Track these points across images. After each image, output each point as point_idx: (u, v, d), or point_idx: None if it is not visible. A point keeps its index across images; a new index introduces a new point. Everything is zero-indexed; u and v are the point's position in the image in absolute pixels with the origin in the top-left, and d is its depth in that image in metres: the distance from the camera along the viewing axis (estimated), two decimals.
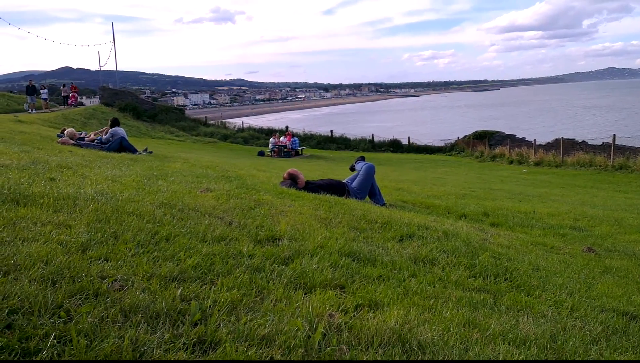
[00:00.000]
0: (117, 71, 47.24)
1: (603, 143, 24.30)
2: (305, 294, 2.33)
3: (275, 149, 26.16)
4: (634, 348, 2.17)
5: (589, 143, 27.23)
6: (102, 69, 47.18)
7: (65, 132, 12.24)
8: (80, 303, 1.85)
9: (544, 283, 3.16)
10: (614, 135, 21.53)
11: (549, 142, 28.11)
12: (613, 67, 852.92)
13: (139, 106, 37.38)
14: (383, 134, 38.06)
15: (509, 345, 1.98)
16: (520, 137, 34.03)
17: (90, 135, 12.92)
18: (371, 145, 35.76)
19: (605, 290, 3.27)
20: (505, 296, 2.74)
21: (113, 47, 43.03)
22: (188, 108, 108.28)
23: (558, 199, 10.84)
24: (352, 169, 7.97)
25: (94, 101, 44.94)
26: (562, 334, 2.19)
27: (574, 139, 28.88)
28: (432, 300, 2.46)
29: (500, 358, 1.80)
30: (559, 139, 26.00)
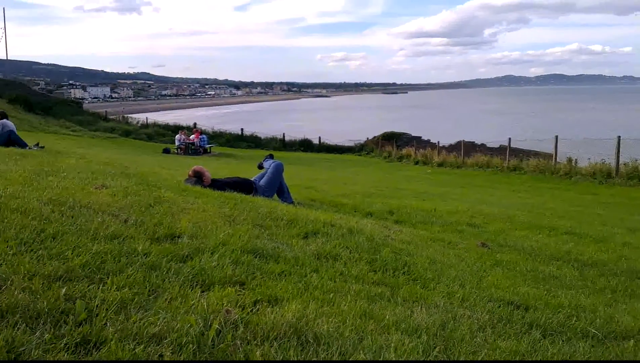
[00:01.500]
0: (7, 60, 43.76)
1: (500, 145, 25.98)
2: (202, 292, 2.27)
3: (182, 146, 25.40)
4: (516, 335, 2.32)
5: (488, 145, 29.04)
6: None
7: None
8: None
9: (439, 275, 3.31)
10: (509, 138, 23.10)
11: (451, 144, 29.64)
12: (511, 75, 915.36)
13: (31, 98, 34.78)
14: (294, 134, 38.26)
15: (402, 334, 2.04)
16: (426, 139, 35.59)
17: None
18: (282, 144, 35.82)
19: (494, 281, 3.48)
20: (402, 289, 2.83)
21: (4, 34, 39.79)
22: (87, 102, 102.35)
23: (458, 198, 11.44)
24: (261, 167, 7.92)
25: None
26: (451, 322, 2.30)
27: (474, 141, 30.66)
28: (332, 294, 2.48)
29: (392, 347, 1.85)
30: (461, 141, 27.49)
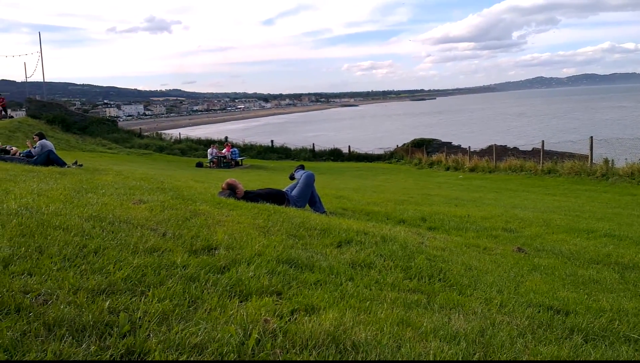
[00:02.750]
0: (44, 82, 45.23)
1: (533, 148, 25.51)
2: (240, 302, 2.31)
3: (215, 160, 25.77)
4: (557, 340, 2.28)
5: (520, 148, 28.55)
6: (29, 80, 45.08)
7: None
8: (0, 319, 1.75)
9: (476, 282, 3.27)
10: (542, 141, 22.65)
11: (482, 148, 29.25)
12: (541, 77, 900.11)
13: (68, 118, 35.83)
14: (323, 144, 38.36)
15: (440, 341, 2.03)
16: (456, 144, 35.21)
17: (13, 148, 12.31)
18: (312, 154, 35.94)
19: (532, 286, 3.42)
20: (438, 296, 2.81)
21: (40, 57, 41.16)
22: (121, 120, 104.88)
23: (491, 203, 11.27)
24: (292, 178, 7.98)
25: (20, 114, 42.68)
26: (490, 329, 2.27)
27: (506, 145, 30.20)
28: (368, 302, 2.49)
29: (431, 354, 1.85)
30: (492, 145, 27.11)
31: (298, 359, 1.71)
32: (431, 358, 1.81)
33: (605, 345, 2.28)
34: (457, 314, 2.47)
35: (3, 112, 33.97)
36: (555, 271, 4.27)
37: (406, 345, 1.94)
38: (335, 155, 35.84)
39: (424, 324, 2.21)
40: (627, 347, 2.26)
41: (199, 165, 25.61)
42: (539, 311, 2.71)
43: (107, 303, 2.01)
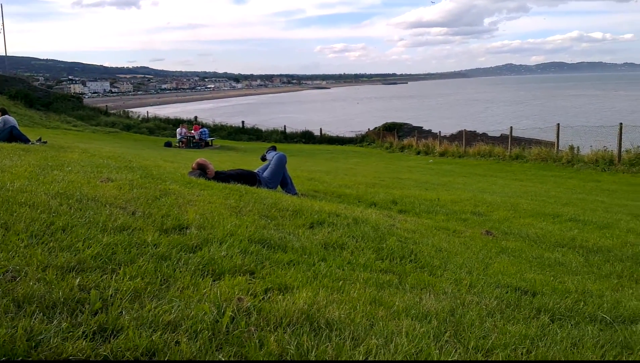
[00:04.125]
0: (6, 56, 43.69)
1: (501, 134, 25.98)
2: (213, 281, 2.29)
3: (184, 140, 25.42)
4: (525, 320, 2.34)
5: (489, 134, 29.03)
6: None
7: None
8: None
9: (446, 263, 3.33)
10: (511, 127, 23.07)
11: (453, 133, 29.64)
12: (511, 64, 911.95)
13: (31, 94, 34.74)
14: (295, 125, 38.23)
15: (412, 319, 2.06)
16: (427, 129, 35.58)
17: None
18: (283, 136, 35.80)
19: (500, 268, 3.49)
20: (409, 276, 2.85)
21: (2, 30, 39.67)
22: (87, 96, 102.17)
23: (461, 187, 11.45)
24: (264, 159, 7.92)
25: None
26: (460, 308, 2.32)
27: (475, 131, 30.67)
28: (341, 282, 2.50)
29: (403, 332, 1.87)
30: (462, 131, 27.48)
31: (272, 337, 1.71)
32: (403, 336, 1.84)
33: (571, 325, 2.34)
34: (428, 294, 2.51)
35: None
36: (522, 253, 4.38)
37: (379, 323, 1.96)
38: (306, 137, 35.78)
39: (396, 303, 2.24)
40: (592, 327, 2.33)
41: (168, 145, 25.24)
42: (507, 292, 2.77)
43: (77, 280, 1.97)
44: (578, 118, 38.40)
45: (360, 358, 1.63)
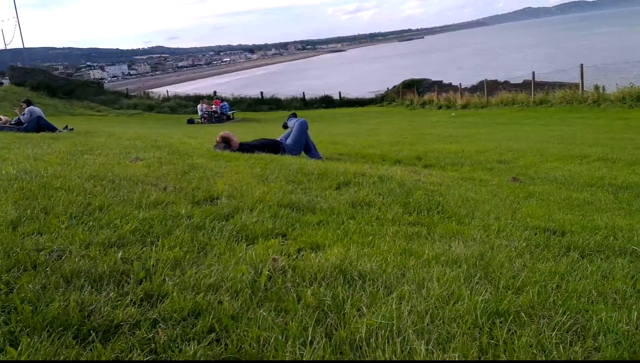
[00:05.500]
0: (24, 49, 44.21)
1: (524, 81, 25.33)
2: (247, 245, 2.38)
3: (205, 115, 25.60)
4: (554, 257, 2.37)
5: (511, 82, 28.34)
6: (8, 47, 44.05)
7: None
8: (19, 275, 1.83)
9: (473, 211, 3.36)
10: (533, 72, 22.48)
11: (474, 85, 29.03)
12: (529, 7, 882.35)
13: (53, 83, 35.23)
14: (314, 91, 37.98)
15: (442, 266, 2.12)
16: (447, 82, 34.87)
17: (2, 117, 12.19)
18: (303, 103, 35.67)
19: (528, 211, 3.51)
20: (438, 227, 2.90)
21: (17, 22, 40.04)
22: (106, 81, 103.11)
23: (485, 138, 11.33)
24: (285, 126, 7.97)
25: (4, 82, 41.87)
26: (489, 252, 2.36)
27: (496, 80, 29.95)
28: (370, 237, 2.57)
29: (434, 277, 1.94)
30: (483, 81, 26.91)
31: (309, 291, 1.79)
32: (434, 281, 1.90)
33: (601, 259, 2.37)
34: (457, 241, 2.56)
35: None
36: (550, 196, 4.37)
37: (410, 272, 2.02)
38: (326, 102, 35.57)
39: (426, 252, 2.30)
40: (622, 259, 2.35)
41: (190, 121, 25.46)
42: (536, 233, 2.79)
43: (120, 254, 2.08)
44: (602, 56, 37.07)
45: (394, 304, 1.69)
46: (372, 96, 37.14)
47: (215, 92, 37.49)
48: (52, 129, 10.60)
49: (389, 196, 3.66)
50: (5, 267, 1.88)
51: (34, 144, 6.26)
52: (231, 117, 26.82)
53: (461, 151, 8.05)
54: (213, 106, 26.56)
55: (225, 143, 6.60)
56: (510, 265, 2.16)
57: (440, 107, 26.45)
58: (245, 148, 6.55)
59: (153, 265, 1.99)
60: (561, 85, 22.23)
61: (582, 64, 19.77)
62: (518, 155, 7.47)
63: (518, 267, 2.14)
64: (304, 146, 7.34)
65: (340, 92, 36.40)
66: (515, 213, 3.41)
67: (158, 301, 1.71)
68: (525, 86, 24.15)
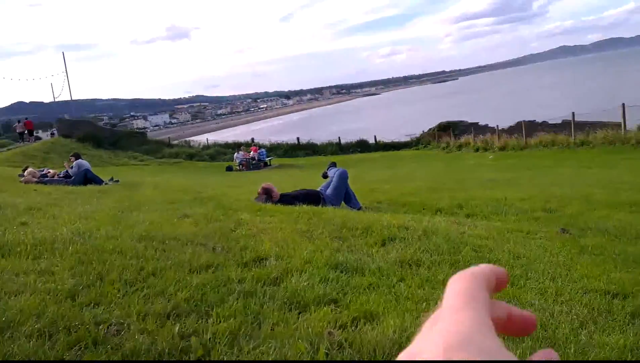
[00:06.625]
0: (72, 101, 46.34)
1: (563, 121, 24.91)
2: (299, 313, 2.36)
3: (244, 162, 26.05)
4: (620, 327, 2.27)
5: (550, 122, 27.91)
6: (57, 100, 46.29)
7: (26, 171, 11.96)
8: (81, 355, 1.85)
9: (527, 271, 3.26)
10: (573, 113, 22.11)
11: (511, 126, 28.68)
12: (565, 46, 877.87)
13: (98, 134, 36.59)
14: (349, 136, 38.23)
15: (504, 339, 2.04)
16: (483, 124, 34.60)
17: (50, 171, 12.70)
18: (339, 148, 35.91)
19: (584, 270, 3.38)
20: None
21: (66, 76, 42.18)
22: (149, 130, 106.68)
23: (527, 183, 11.12)
24: (325, 176, 8.02)
25: (50, 134, 43.77)
26: (551, 321, 2.27)
27: (534, 120, 29.56)
28: (424, 303, 2.51)
29: None
30: (520, 122, 26.59)
31: None
32: None
33: None
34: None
35: (27, 135, 34.98)
36: (604, 251, 4.21)
37: None
38: (362, 146, 35.71)
39: None
40: None
41: (229, 169, 25.92)
42: (596, 298, 2.68)
43: (177, 327, 2.09)
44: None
45: None
46: (407, 139, 37.11)
47: (252, 139, 38.20)
48: (99, 182, 10.94)
49: (436, 254, 3.60)
50: (67, 345, 1.91)
51: (83, 200, 6.47)
52: (268, 163, 27.20)
53: (504, 198, 7.89)
54: (250, 153, 27.03)
55: (267, 194, 6.68)
56: (576, 338, 2.07)
57: (477, 150, 26.18)
58: (286, 199, 6.60)
59: (209, 339, 2.00)
60: (602, 125, 21.73)
61: (623, 103, 19.37)
62: (564, 202, 7.27)
63: (584, 341, 2.05)
64: (343, 195, 7.35)
65: (375, 136, 36.53)
66: (570, 272, 3.29)
67: None
68: (564, 126, 23.73)
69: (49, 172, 12.60)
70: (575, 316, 2.36)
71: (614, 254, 4.10)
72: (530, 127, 25.97)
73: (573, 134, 21.11)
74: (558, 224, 5.79)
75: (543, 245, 4.37)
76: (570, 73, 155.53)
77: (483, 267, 0.37)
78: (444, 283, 2.51)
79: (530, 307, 2.49)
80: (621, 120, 19.25)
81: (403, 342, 1.97)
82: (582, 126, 22.32)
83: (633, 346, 2.02)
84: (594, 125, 22.38)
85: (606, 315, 2.43)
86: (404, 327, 2.13)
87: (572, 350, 1.94)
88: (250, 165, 25.88)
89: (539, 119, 30.06)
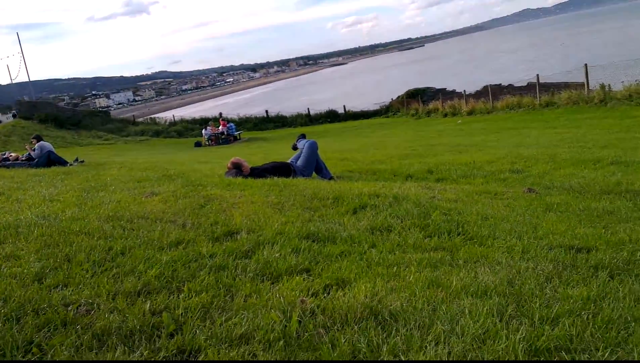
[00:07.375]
0: (30, 82, 44.79)
1: (528, 83, 25.26)
2: (272, 284, 2.37)
3: (213, 137, 25.73)
4: (584, 280, 2.34)
5: (515, 85, 28.31)
6: (14, 81, 44.70)
7: None
8: (50, 336, 1.82)
9: (494, 230, 3.32)
10: (537, 74, 22.43)
11: (478, 90, 29.01)
12: (528, 9, 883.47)
13: (60, 115, 35.50)
14: (318, 107, 38.08)
15: (472, 297, 2.09)
16: (451, 89, 34.85)
17: (12, 154, 12.31)
18: (308, 119, 35.76)
19: (550, 227, 3.47)
20: (460, 251, 2.87)
21: (22, 57, 40.67)
22: (113, 109, 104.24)
23: (494, 145, 11.28)
24: (295, 148, 7.99)
25: (9, 117, 42.29)
26: (517, 278, 2.33)
27: (500, 84, 29.94)
28: (395, 267, 2.54)
29: (467, 312, 1.91)
30: (487, 86, 26.89)
31: (342, 336, 1.77)
32: (468, 317, 1.87)
33: (632, 279, 2.33)
34: (482, 267, 2.53)
35: None
36: (569, 207, 4.33)
37: (441, 307, 2.00)
38: (331, 117, 35.63)
39: (454, 282, 2.27)
40: None
41: (198, 144, 25.59)
42: (561, 253, 2.76)
43: (148, 305, 2.07)
44: (605, 54, 36.94)
45: (431, 349, 1.67)
46: (377, 107, 37.16)
47: (220, 113, 37.67)
48: (63, 163, 10.67)
49: (406, 219, 3.63)
50: (36, 327, 1.87)
51: (47, 182, 6.30)
52: (238, 137, 26.93)
53: (472, 161, 8.02)
54: (220, 128, 26.68)
55: (237, 168, 6.63)
56: (541, 293, 2.13)
57: (445, 115, 26.41)
58: (256, 172, 6.56)
59: (181, 314, 1.98)
60: (566, 85, 22.13)
61: (586, 64, 19.72)
62: (530, 163, 7.42)
63: (549, 295, 2.10)
64: (314, 166, 7.34)
65: (344, 106, 36.46)
66: (536, 230, 3.37)
67: (192, 357, 1.69)
68: (529, 88, 24.09)
69: (10, 155, 12.20)
70: (541, 272, 2.42)
71: (578, 210, 4.21)
72: (496, 91, 26.30)
73: (538, 95, 21.45)
74: (525, 184, 5.92)
75: (510, 205, 4.46)
76: (533, 35, 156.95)
77: None
78: (414, 247, 2.55)
79: (498, 265, 2.55)
80: (584, 80, 19.62)
81: (375, 306, 2.00)
82: (547, 88, 22.69)
83: (596, 297, 2.09)
84: (558, 86, 22.78)
85: (570, 269, 2.50)
86: (375, 291, 2.16)
87: (537, 304, 1.99)
88: (220, 140, 25.59)
89: (505, 83, 30.43)
